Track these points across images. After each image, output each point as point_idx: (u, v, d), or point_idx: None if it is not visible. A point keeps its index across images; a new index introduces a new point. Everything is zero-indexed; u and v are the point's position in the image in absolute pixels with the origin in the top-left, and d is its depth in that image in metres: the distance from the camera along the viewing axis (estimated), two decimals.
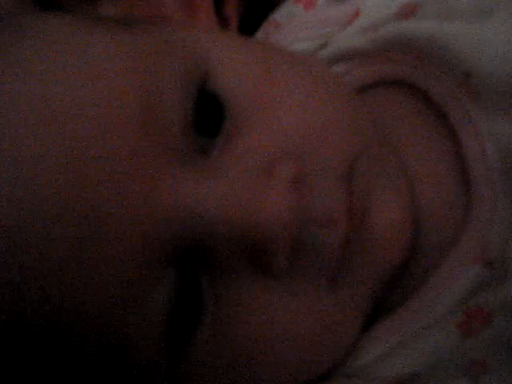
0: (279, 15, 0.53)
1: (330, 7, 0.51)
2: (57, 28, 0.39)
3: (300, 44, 0.50)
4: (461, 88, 0.42)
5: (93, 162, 0.33)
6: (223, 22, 0.54)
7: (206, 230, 0.35)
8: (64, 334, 0.35)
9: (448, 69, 0.42)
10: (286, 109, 0.39)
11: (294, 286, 0.37)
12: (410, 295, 0.41)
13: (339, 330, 0.40)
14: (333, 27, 0.49)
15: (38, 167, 0.33)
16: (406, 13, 0.46)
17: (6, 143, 0.33)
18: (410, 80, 0.45)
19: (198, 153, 0.36)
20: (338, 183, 0.38)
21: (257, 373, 0.39)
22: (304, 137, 0.38)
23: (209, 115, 0.37)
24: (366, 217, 0.38)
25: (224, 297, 0.37)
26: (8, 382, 0.36)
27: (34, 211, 0.32)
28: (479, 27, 0.42)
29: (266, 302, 0.37)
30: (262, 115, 0.38)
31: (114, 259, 0.34)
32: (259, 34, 0.54)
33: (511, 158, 0.39)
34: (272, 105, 0.39)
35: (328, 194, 0.37)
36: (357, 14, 0.48)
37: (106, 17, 0.50)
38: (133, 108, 0.35)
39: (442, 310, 0.40)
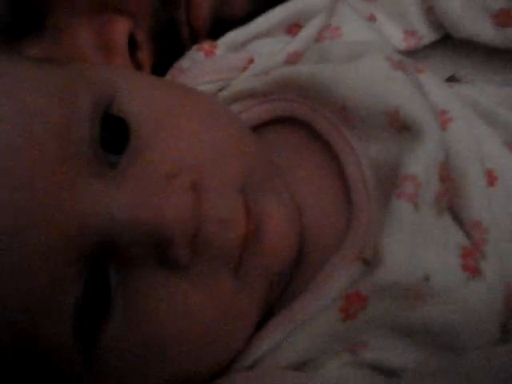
0: (183, 61, 0.56)
1: (226, 55, 0.55)
2: None
3: (201, 87, 0.53)
4: (340, 120, 0.47)
5: (23, 179, 0.36)
6: (137, 67, 0.56)
7: (114, 229, 0.38)
8: None
9: (328, 103, 0.47)
10: (183, 132, 0.42)
11: (199, 277, 0.40)
12: (298, 294, 0.45)
13: (238, 316, 0.43)
14: (230, 73, 0.53)
15: None
16: (292, 61, 0.51)
17: None
18: (298, 116, 0.49)
19: (108, 167, 0.39)
20: (235, 193, 0.42)
21: (162, 357, 0.41)
22: (199, 156, 0.42)
23: (115, 136, 0.40)
24: (261, 221, 0.42)
25: (132, 289, 0.39)
26: None
27: None
28: (350, 68, 0.47)
29: (172, 292, 0.40)
30: (163, 137, 0.41)
31: (33, 257, 0.36)
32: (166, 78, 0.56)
33: (380, 174, 0.45)
34: (171, 129, 0.42)
35: (226, 201, 0.41)
36: (251, 61, 0.53)
37: (29, 55, 0.53)
38: (52, 133, 0.38)
39: (326, 300, 0.43)
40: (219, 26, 0.57)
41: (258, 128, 0.51)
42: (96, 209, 0.38)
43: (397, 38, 0.56)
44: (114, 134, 0.40)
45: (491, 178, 0.46)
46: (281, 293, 0.45)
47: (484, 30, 0.54)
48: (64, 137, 0.38)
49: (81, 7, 0.55)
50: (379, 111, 0.45)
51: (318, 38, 0.52)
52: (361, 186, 0.46)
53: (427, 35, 0.57)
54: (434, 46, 0.58)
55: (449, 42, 0.58)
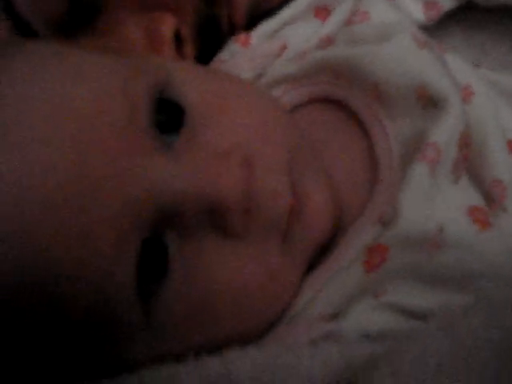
0: (223, 54, 0.60)
1: (261, 44, 0.59)
2: (54, 48, 0.46)
3: (241, 75, 0.57)
4: (372, 98, 0.51)
5: (94, 149, 0.40)
6: (182, 60, 0.60)
7: (176, 199, 0.41)
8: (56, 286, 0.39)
9: (361, 83, 0.52)
10: (233, 114, 0.46)
11: (251, 245, 0.44)
12: (329, 254, 0.49)
13: (286, 279, 0.46)
14: (265, 60, 0.57)
15: (49, 147, 0.39)
16: (324, 45, 0.55)
17: (22, 128, 0.39)
18: (333, 96, 0.53)
19: (166, 146, 0.43)
20: (283, 171, 0.45)
21: (219, 315, 0.44)
22: (249, 138, 0.45)
23: (172, 119, 0.44)
24: (304, 199, 0.46)
25: (189, 253, 0.43)
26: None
27: (42, 177, 0.39)
28: (381, 48, 0.51)
29: (226, 256, 0.43)
30: (215, 118, 0.45)
31: (103, 219, 0.39)
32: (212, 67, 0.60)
33: (407, 147, 0.49)
34: (222, 111, 0.46)
35: (275, 177, 0.45)
36: (284, 47, 0.57)
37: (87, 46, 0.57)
38: (121, 112, 0.41)
39: (350, 255, 0.47)
40: (257, 20, 0.61)
41: (295, 109, 0.55)
42: (160, 179, 0.41)
43: (417, 11, 0.60)
44: (170, 117, 0.44)
45: (510, 147, 0.49)
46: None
47: None
48: (128, 117, 0.42)
49: (130, 5, 0.58)
50: (409, 87, 0.49)
51: (348, 22, 0.56)
52: (387, 158, 0.49)
53: (447, 3, 0.61)
54: (457, 36, 0.62)
55: (474, 32, 0.62)
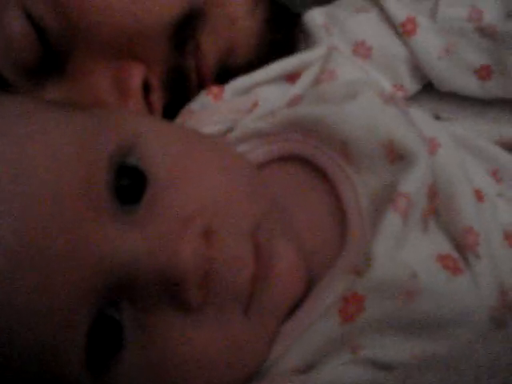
0: (193, 104, 0.61)
1: (233, 99, 0.60)
2: (20, 107, 0.46)
3: (210, 127, 0.58)
4: (340, 155, 0.52)
5: (48, 219, 0.40)
6: (149, 109, 0.61)
7: (132, 271, 0.41)
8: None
9: (329, 141, 0.53)
10: (199, 180, 0.46)
11: (210, 318, 0.43)
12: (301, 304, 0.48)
13: (253, 348, 0.45)
14: (236, 115, 0.58)
15: (4, 219, 0.39)
16: (293, 103, 0.57)
17: None
18: (301, 154, 0.54)
19: (127, 213, 0.43)
20: (246, 237, 0.45)
21: None
22: (214, 202, 0.45)
23: (135, 183, 0.44)
24: (271, 263, 0.45)
25: (145, 327, 0.42)
26: None
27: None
28: (347, 106, 0.52)
29: (184, 328, 0.43)
30: (179, 184, 0.45)
31: (53, 290, 0.40)
32: (177, 120, 0.61)
33: (376, 200, 0.50)
34: (188, 176, 0.46)
35: (237, 244, 0.44)
36: (255, 104, 0.59)
37: (53, 100, 0.57)
38: (77, 179, 0.41)
39: (323, 307, 0.47)
40: (224, 74, 0.63)
41: (263, 165, 0.56)
42: (115, 251, 0.41)
43: (386, 89, 0.62)
44: (134, 182, 0.44)
45: (479, 195, 0.51)
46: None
47: (468, 85, 0.61)
48: (86, 184, 0.42)
49: (99, 53, 0.59)
50: (376, 144, 0.50)
51: (316, 82, 0.58)
52: (355, 212, 0.50)
53: (412, 88, 0.64)
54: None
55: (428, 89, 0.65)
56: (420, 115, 0.55)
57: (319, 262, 0.50)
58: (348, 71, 0.58)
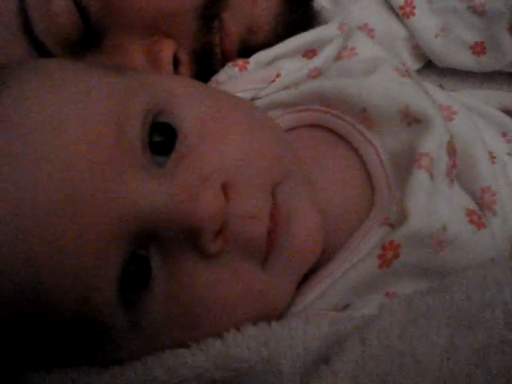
0: (219, 76, 0.66)
1: (257, 70, 0.65)
2: (61, 69, 0.50)
3: (238, 95, 0.61)
4: (360, 122, 0.57)
5: (82, 168, 0.43)
6: None
7: (155, 217, 0.44)
8: (43, 293, 0.42)
9: (349, 110, 0.57)
10: (225, 138, 0.48)
11: (229, 265, 0.46)
12: (335, 253, 0.53)
13: (269, 298, 0.48)
14: (260, 84, 0.63)
15: (45, 168, 0.43)
16: (313, 75, 0.62)
17: (24, 149, 0.43)
18: (323, 123, 0.59)
19: (156, 166, 0.46)
20: (264, 194, 0.48)
21: (201, 323, 0.47)
22: (237, 159, 0.47)
23: (167, 139, 0.47)
24: (290, 223, 0.48)
25: (170, 268, 0.45)
26: None
27: (34, 192, 0.42)
28: (367, 80, 0.58)
29: (205, 274, 0.46)
30: (206, 142, 0.48)
31: (88, 232, 0.43)
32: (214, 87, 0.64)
33: (396, 158, 0.55)
34: (215, 134, 0.48)
35: (253, 200, 0.47)
36: (278, 75, 0.63)
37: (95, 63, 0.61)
38: (110, 133, 0.44)
39: (363, 252, 0.51)
40: (244, 51, 0.68)
41: (289, 131, 0.60)
42: (141, 197, 0.44)
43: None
44: (165, 137, 0.47)
45: (491, 157, 0.56)
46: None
47: (464, 60, 0.67)
48: (119, 137, 0.45)
49: (134, 30, 0.64)
50: (394, 109, 0.55)
51: (338, 58, 0.63)
52: (380, 170, 0.55)
53: (413, 66, 0.70)
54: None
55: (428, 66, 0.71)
56: (433, 88, 0.60)
57: (348, 217, 0.54)
58: (367, 49, 0.63)
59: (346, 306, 0.50)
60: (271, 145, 0.51)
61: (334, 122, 0.58)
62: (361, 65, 0.60)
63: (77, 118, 0.44)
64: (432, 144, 0.53)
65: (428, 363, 0.40)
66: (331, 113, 0.58)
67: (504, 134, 0.61)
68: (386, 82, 0.57)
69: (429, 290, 0.45)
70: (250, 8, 0.68)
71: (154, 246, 0.45)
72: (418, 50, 0.70)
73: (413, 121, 0.55)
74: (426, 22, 0.68)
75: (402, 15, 0.69)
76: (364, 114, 0.57)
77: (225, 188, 0.46)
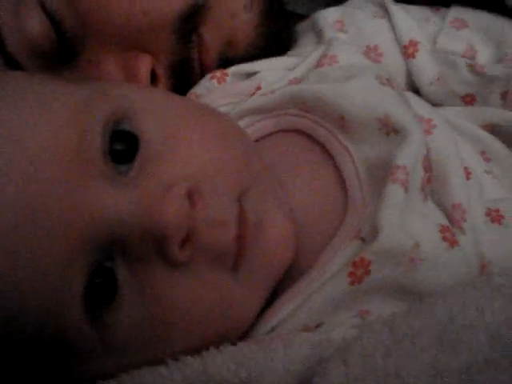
0: (197, 88, 0.65)
1: (237, 82, 0.64)
2: (21, 80, 0.49)
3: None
4: (337, 128, 0.55)
5: (42, 180, 0.42)
6: None
7: (120, 227, 0.43)
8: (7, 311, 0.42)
9: (327, 115, 0.56)
10: (190, 145, 0.48)
11: (198, 273, 0.45)
12: (306, 267, 0.51)
13: (241, 303, 0.48)
14: (239, 97, 0.62)
15: (3, 181, 0.42)
16: (295, 82, 0.61)
17: None
18: (300, 127, 0.58)
19: (119, 175, 0.45)
20: (231, 201, 0.47)
21: (167, 336, 0.46)
22: (202, 166, 0.47)
23: (129, 148, 0.46)
24: (260, 229, 0.48)
25: (138, 279, 0.45)
26: None
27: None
28: (346, 85, 0.56)
29: (175, 283, 0.45)
30: (169, 150, 0.47)
31: (51, 242, 0.42)
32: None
33: (372, 169, 0.53)
34: (180, 142, 0.47)
35: (219, 206, 0.46)
36: (258, 87, 0.62)
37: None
38: (69, 143, 0.44)
39: (334, 268, 0.50)
40: (224, 64, 0.67)
41: (263, 137, 0.59)
42: (104, 208, 0.43)
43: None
44: (127, 146, 0.46)
45: (467, 173, 0.55)
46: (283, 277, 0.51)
47: (453, 105, 0.66)
48: (80, 147, 0.44)
49: (110, 45, 0.64)
50: (372, 117, 0.54)
51: (318, 65, 0.62)
52: (354, 178, 0.54)
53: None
54: None
55: None
56: (416, 99, 0.60)
57: (321, 229, 0.53)
58: (348, 57, 0.62)
59: (317, 325, 0.49)
60: (237, 152, 0.50)
61: (311, 127, 0.57)
62: (340, 71, 0.59)
63: (35, 129, 0.44)
64: (408, 157, 0.52)
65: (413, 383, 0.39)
66: (308, 117, 0.57)
67: (483, 153, 0.60)
68: (365, 89, 0.56)
69: (410, 312, 0.44)
70: (228, 21, 0.67)
71: (121, 257, 0.45)
72: (412, 88, 0.69)
73: (391, 131, 0.54)
74: (424, 67, 0.67)
75: (403, 53, 0.68)
76: (342, 122, 0.55)
77: (190, 195, 0.45)
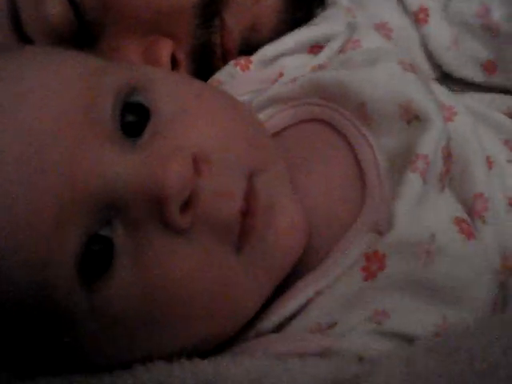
0: (221, 75, 0.64)
1: (260, 70, 0.63)
2: (36, 54, 0.50)
3: (240, 97, 0.59)
4: (357, 117, 0.54)
5: (46, 137, 0.42)
6: None
7: (120, 188, 0.43)
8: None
9: (348, 103, 0.55)
10: (201, 119, 0.47)
11: (198, 243, 0.44)
12: (317, 263, 0.49)
13: (238, 290, 0.46)
14: (263, 84, 0.61)
15: (6, 136, 0.42)
16: (318, 69, 0.60)
17: None
18: (320, 116, 0.56)
19: (129, 142, 0.45)
20: (239, 175, 0.46)
21: (167, 313, 0.44)
22: (213, 139, 0.46)
23: (138, 121, 0.46)
24: (272, 213, 0.46)
25: (136, 245, 0.44)
26: None
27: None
28: (368, 71, 0.55)
29: (172, 251, 0.44)
30: (182, 122, 0.46)
31: (48, 200, 0.42)
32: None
33: (392, 158, 0.52)
34: (190, 115, 0.47)
35: (227, 178, 0.45)
36: (280, 74, 0.61)
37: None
38: (78, 105, 0.44)
39: (348, 262, 0.48)
40: (246, 50, 0.66)
41: (285, 129, 0.58)
42: (106, 168, 0.43)
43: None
44: (139, 119, 0.46)
45: (489, 163, 0.54)
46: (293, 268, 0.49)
47: (475, 75, 0.65)
48: (90, 111, 0.44)
49: (131, 29, 0.63)
50: (394, 104, 0.53)
51: (342, 50, 0.61)
52: (373, 169, 0.52)
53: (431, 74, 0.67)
54: None
55: None
56: (438, 86, 0.58)
57: (338, 219, 0.51)
58: (372, 41, 0.61)
59: (332, 325, 0.47)
60: (250, 133, 0.49)
61: (331, 116, 0.56)
62: (363, 56, 0.58)
63: (44, 90, 0.44)
64: (430, 145, 0.50)
65: None
66: (329, 106, 0.56)
67: (507, 142, 0.59)
68: (387, 75, 0.55)
69: (431, 348, 0.42)
70: (252, 6, 0.66)
71: (120, 223, 0.44)
72: (431, 59, 0.67)
73: (413, 118, 0.52)
74: (439, 31, 0.66)
75: (415, 21, 0.67)
76: (362, 109, 0.54)
77: (197, 162, 0.44)
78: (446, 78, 0.68)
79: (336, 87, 0.56)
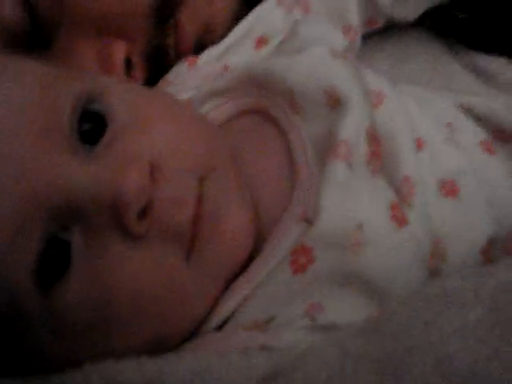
0: (169, 75, 0.64)
1: (205, 65, 0.63)
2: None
3: (185, 94, 0.60)
4: (288, 105, 0.54)
5: (8, 148, 0.43)
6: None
7: (77, 197, 0.43)
8: None
9: (279, 91, 0.55)
10: (156, 128, 0.48)
11: (152, 249, 0.45)
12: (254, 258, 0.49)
13: (185, 294, 0.46)
14: (208, 79, 0.61)
15: None
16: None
17: None
18: (257, 107, 0.57)
19: (85, 151, 0.45)
20: (191, 181, 0.46)
21: (120, 316, 0.45)
22: (165, 146, 0.47)
23: (94, 130, 0.47)
24: (218, 218, 0.47)
25: (95, 250, 0.44)
26: None
27: None
28: (295, 59, 0.55)
29: (127, 256, 0.44)
30: (136, 129, 0.47)
31: (6, 207, 0.42)
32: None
33: (319, 145, 0.51)
34: (146, 125, 0.48)
35: (180, 184, 0.46)
36: (225, 68, 0.62)
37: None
38: (36, 116, 0.44)
39: (277, 257, 0.48)
40: (201, 50, 0.66)
41: (225, 122, 0.58)
42: (65, 177, 0.43)
43: (340, 37, 0.65)
44: (95, 126, 0.47)
45: (419, 144, 0.53)
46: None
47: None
48: (47, 121, 0.44)
49: (84, 31, 0.63)
50: (319, 89, 0.52)
51: (281, 43, 0.61)
52: (304, 163, 0.51)
53: (359, 20, 0.67)
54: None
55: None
56: (369, 72, 0.57)
57: (272, 214, 0.51)
58: (310, 30, 0.61)
59: (268, 321, 0.47)
60: (200, 139, 0.50)
61: (266, 105, 0.56)
62: (294, 44, 0.58)
63: (3, 101, 0.45)
64: (350, 129, 0.49)
65: None
66: (263, 95, 0.56)
67: (449, 124, 0.57)
68: (312, 60, 0.54)
69: (361, 329, 0.41)
70: (206, 6, 0.66)
71: (78, 230, 0.44)
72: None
73: (336, 103, 0.52)
74: None
75: None
76: (291, 97, 0.54)
77: (152, 171, 0.45)
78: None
79: (264, 75, 0.56)
